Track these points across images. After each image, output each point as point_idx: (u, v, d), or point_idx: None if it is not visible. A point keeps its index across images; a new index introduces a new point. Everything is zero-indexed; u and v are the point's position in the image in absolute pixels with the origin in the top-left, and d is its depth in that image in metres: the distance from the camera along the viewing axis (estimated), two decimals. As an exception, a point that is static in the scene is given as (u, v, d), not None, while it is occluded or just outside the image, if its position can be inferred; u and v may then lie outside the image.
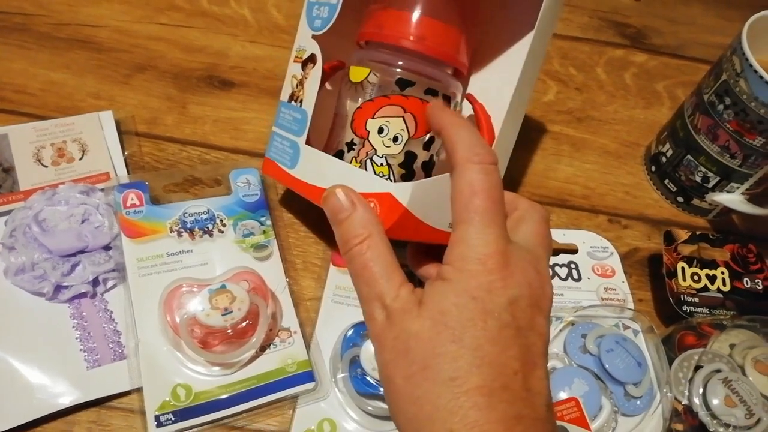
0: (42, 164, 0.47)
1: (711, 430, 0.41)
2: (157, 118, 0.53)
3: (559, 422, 0.37)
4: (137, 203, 0.45)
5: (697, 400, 0.42)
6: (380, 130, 0.39)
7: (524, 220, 0.31)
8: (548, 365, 0.42)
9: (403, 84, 0.39)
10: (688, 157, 0.52)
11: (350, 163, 0.40)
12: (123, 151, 0.49)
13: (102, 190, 0.46)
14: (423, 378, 0.25)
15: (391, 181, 0.39)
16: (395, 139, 0.39)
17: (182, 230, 0.45)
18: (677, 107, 0.55)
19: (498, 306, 0.25)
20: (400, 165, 0.40)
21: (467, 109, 0.43)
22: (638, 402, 0.42)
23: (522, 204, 0.32)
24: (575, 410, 0.38)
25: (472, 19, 0.41)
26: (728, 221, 0.56)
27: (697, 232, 0.50)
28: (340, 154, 0.41)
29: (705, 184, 0.52)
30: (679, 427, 0.42)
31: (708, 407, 0.41)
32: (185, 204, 0.46)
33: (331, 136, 0.43)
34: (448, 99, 0.41)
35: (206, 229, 0.45)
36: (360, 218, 0.29)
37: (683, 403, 0.42)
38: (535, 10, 0.37)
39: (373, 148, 0.39)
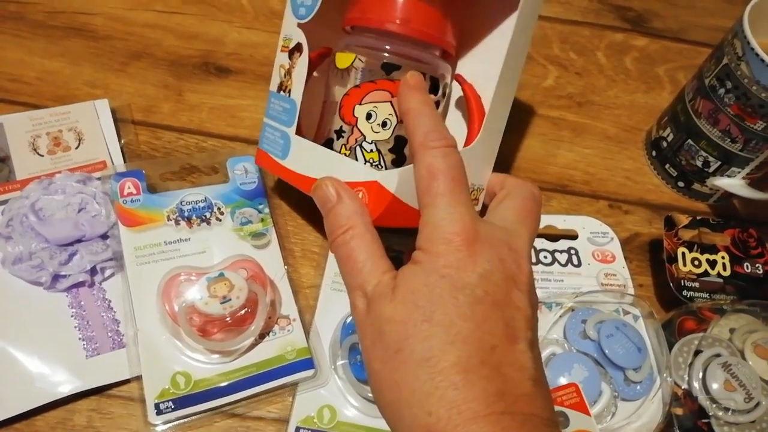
0: (38, 153, 0.47)
1: (710, 414, 0.41)
2: (154, 106, 0.53)
3: (559, 408, 0.37)
4: (134, 192, 0.45)
5: (696, 385, 0.42)
6: (368, 116, 0.38)
7: (508, 197, 0.30)
8: (548, 351, 0.42)
9: (389, 68, 0.38)
10: (689, 141, 0.51)
11: (340, 150, 0.40)
12: (119, 140, 0.49)
13: (99, 178, 0.46)
14: (398, 361, 0.25)
15: (382, 166, 0.39)
16: (384, 124, 0.39)
17: (180, 219, 0.44)
18: (678, 91, 0.54)
19: (468, 282, 0.25)
20: (390, 150, 0.39)
21: (457, 91, 0.42)
22: (638, 387, 0.42)
23: (509, 182, 0.32)
24: (575, 395, 0.38)
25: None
26: (729, 206, 0.56)
27: (698, 217, 0.50)
28: (329, 143, 0.40)
29: (706, 169, 0.52)
30: (679, 411, 0.42)
31: (707, 391, 0.41)
32: (182, 192, 0.46)
33: (321, 124, 0.42)
34: (436, 81, 0.40)
35: (204, 217, 0.45)
36: (345, 209, 0.29)
37: (683, 387, 0.42)
38: None
39: (362, 134, 0.39)
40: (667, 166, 0.55)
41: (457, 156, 0.27)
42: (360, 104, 0.38)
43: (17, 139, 0.47)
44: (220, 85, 0.55)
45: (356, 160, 0.39)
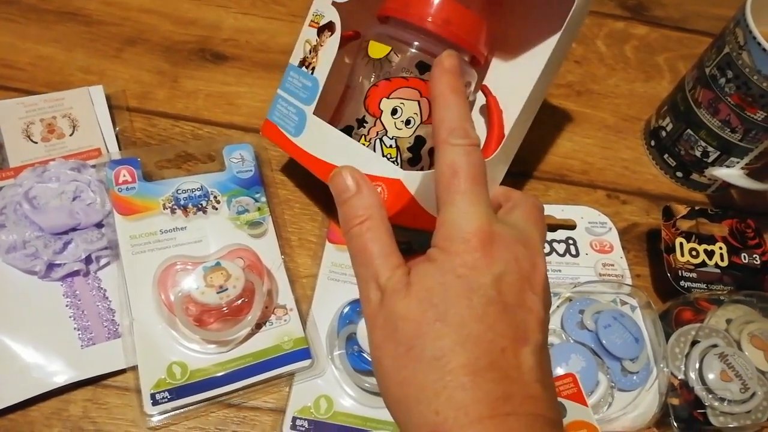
0: (32, 140, 0.46)
1: (706, 404, 0.41)
2: (149, 93, 0.52)
3: (555, 398, 0.37)
4: (129, 180, 0.44)
5: (693, 375, 0.42)
6: (393, 111, 0.38)
7: (517, 207, 0.31)
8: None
9: (423, 67, 0.38)
10: (688, 131, 0.51)
11: (359, 140, 0.39)
12: (114, 127, 0.49)
13: (93, 166, 0.45)
14: (409, 358, 0.25)
15: (397, 163, 0.39)
16: (408, 122, 0.38)
17: (175, 207, 0.44)
18: (678, 81, 0.54)
19: (483, 283, 0.25)
20: (408, 149, 0.39)
21: (480, 100, 0.42)
22: (635, 377, 0.42)
23: (515, 195, 0.33)
24: (572, 386, 0.38)
25: (497, 9, 0.40)
26: (727, 196, 0.55)
27: (696, 208, 0.49)
28: (348, 129, 0.40)
29: (705, 159, 0.51)
30: (675, 401, 0.42)
31: (704, 382, 0.41)
32: (178, 180, 0.45)
33: (339, 109, 0.42)
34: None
35: (200, 205, 0.45)
36: (363, 200, 0.29)
37: (679, 377, 0.42)
38: (565, 10, 0.36)
39: (385, 128, 0.38)
40: (665, 155, 0.54)
41: (479, 155, 0.27)
42: (388, 98, 0.38)
43: (10, 126, 0.46)
44: (217, 72, 0.54)
45: (374, 152, 0.39)
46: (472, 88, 0.41)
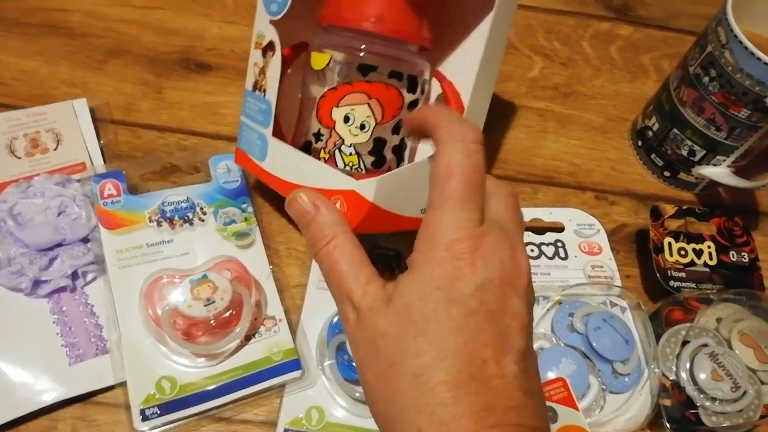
0: (15, 156, 0.46)
1: (698, 404, 0.41)
2: (133, 105, 0.52)
3: (547, 403, 0.37)
4: (114, 193, 0.44)
5: (684, 375, 0.42)
6: (346, 119, 0.38)
7: (493, 196, 0.29)
8: (535, 345, 0.42)
9: (365, 69, 0.38)
10: (674, 130, 0.51)
11: (319, 153, 0.39)
12: (99, 140, 0.48)
13: (78, 180, 0.45)
14: (391, 376, 0.25)
15: (361, 169, 0.39)
16: (362, 126, 0.38)
17: (162, 220, 0.44)
18: (663, 80, 0.54)
19: (464, 294, 0.25)
20: (370, 152, 0.39)
21: (437, 88, 0.42)
22: (626, 379, 0.42)
23: (489, 182, 0.31)
24: (562, 390, 0.38)
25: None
26: (715, 194, 0.56)
27: (684, 207, 0.50)
28: (308, 145, 0.40)
29: (691, 158, 0.52)
30: (667, 402, 0.42)
31: (695, 382, 0.42)
32: (164, 192, 0.45)
33: (298, 126, 0.42)
34: (414, 79, 0.39)
35: (186, 217, 0.44)
36: (324, 220, 0.29)
37: (671, 378, 0.42)
38: None
39: (341, 137, 0.38)
40: (652, 155, 0.55)
41: (480, 156, 0.26)
42: (337, 107, 0.38)
43: (-7, 141, 0.46)
44: (201, 82, 0.54)
45: (335, 163, 0.38)
46: (427, 76, 0.41)
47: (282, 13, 0.38)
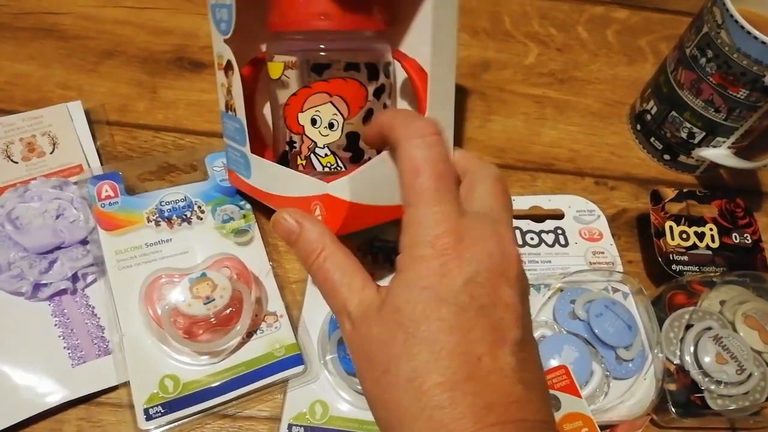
0: (12, 160, 0.46)
1: (703, 388, 0.41)
2: (128, 105, 0.52)
3: (550, 391, 0.37)
4: (112, 195, 0.44)
5: (688, 359, 0.42)
6: (313, 122, 0.38)
7: (478, 182, 0.29)
8: (537, 333, 0.42)
9: (319, 69, 0.37)
10: (673, 113, 0.51)
11: (296, 160, 0.39)
12: (95, 142, 0.48)
13: (75, 183, 0.45)
14: (386, 383, 0.24)
15: (341, 167, 0.38)
16: (331, 125, 0.38)
17: (160, 219, 0.44)
18: (660, 63, 0.54)
19: (452, 290, 0.24)
20: (345, 149, 0.38)
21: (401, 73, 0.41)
22: (630, 365, 0.42)
23: (472, 165, 0.30)
24: (565, 378, 0.38)
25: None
26: (716, 176, 0.55)
27: (684, 190, 0.49)
28: (285, 155, 0.40)
29: (691, 140, 0.51)
30: (672, 387, 0.42)
31: (700, 365, 0.41)
32: (161, 192, 0.45)
33: (275, 134, 0.42)
34: (373, 66, 0.39)
35: (184, 216, 0.44)
36: (310, 234, 0.29)
37: (675, 362, 0.42)
38: None
39: (313, 141, 0.38)
40: (652, 139, 0.54)
41: (442, 146, 0.26)
42: (302, 112, 0.38)
43: (-11, 147, 0.46)
44: (196, 80, 0.54)
45: (313, 167, 0.38)
46: (389, 58, 0.40)
47: (231, 31, 0.38)
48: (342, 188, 0.33)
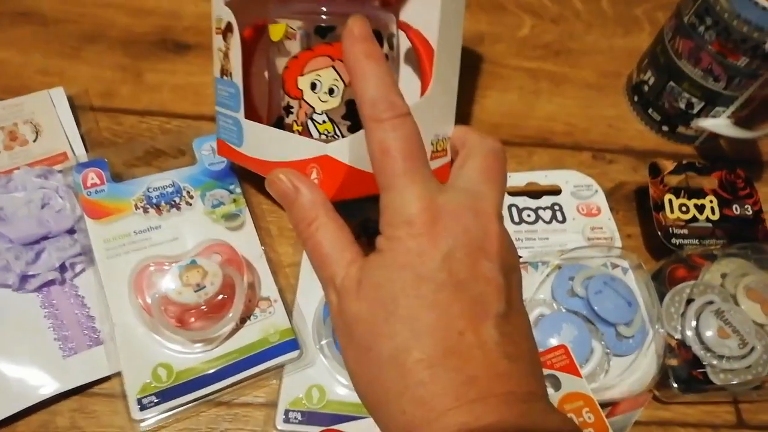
0: (-6, 150, 0.45)
1: (705, 363, 0.40)
2: (112, 90, 0.50)
3: (549, 371, 0.37)
4: (98, 182, 0.43)
5: (690, 334, 0.41)
6: (313, 86, 0.36)
7: (470, 157, 0.29)
8: (536, 312, 0.41)
9: (323, 32, 0.36)
10: (671, 83, 0.50)
11: (292, 126, 0.38)
12: (79, 129, 0.47)
13: (60, 171, 0.44)
14: (369, 360, 0.24)
15: (338, 136, 0.37)
16: (331, 91, 0.36)
17: (148, 206, 0.43)
18: (657, 32, 0.52)
19: (430, 268, 0.24)
20: (344, 117, 0.37)
21: (406, 42, 0.40)
22: (630, 341, 0.41)
23: (470, 139, 0.30)
24: (564, 358, 0.37)
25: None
26: (715, 147, 0.54)
27: (684, 161, 0.48)
28: (280, 120, 0.38)
29: (690, 111, 0.50)
30: (674, 362, 0.41)
31: (701, 340, 0.41)
32: (149, 178, 0.44)
33: (270, 104, 0.40)
34: (378, 34, 0.37)
35: (173, 202, 0.43)
36: (305, 200, 0.28)
37: (676, 338, 0.41)
38: None
39: (311, 106, 0.37)
40: (650, 110, 0.53)
41: (409, 126, 0.25)
42: (302, 75, 0.36)
43: (-30, 136, 0.45)
44: (180, 62, 0.52)
45: (310, 134, 0.37)
46: (393, 29, 0.39)
47: None
48: (342, 150, 0.32)
